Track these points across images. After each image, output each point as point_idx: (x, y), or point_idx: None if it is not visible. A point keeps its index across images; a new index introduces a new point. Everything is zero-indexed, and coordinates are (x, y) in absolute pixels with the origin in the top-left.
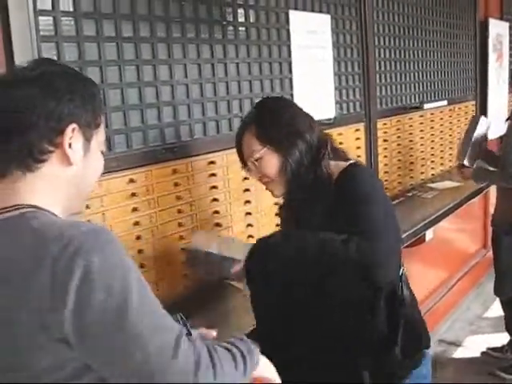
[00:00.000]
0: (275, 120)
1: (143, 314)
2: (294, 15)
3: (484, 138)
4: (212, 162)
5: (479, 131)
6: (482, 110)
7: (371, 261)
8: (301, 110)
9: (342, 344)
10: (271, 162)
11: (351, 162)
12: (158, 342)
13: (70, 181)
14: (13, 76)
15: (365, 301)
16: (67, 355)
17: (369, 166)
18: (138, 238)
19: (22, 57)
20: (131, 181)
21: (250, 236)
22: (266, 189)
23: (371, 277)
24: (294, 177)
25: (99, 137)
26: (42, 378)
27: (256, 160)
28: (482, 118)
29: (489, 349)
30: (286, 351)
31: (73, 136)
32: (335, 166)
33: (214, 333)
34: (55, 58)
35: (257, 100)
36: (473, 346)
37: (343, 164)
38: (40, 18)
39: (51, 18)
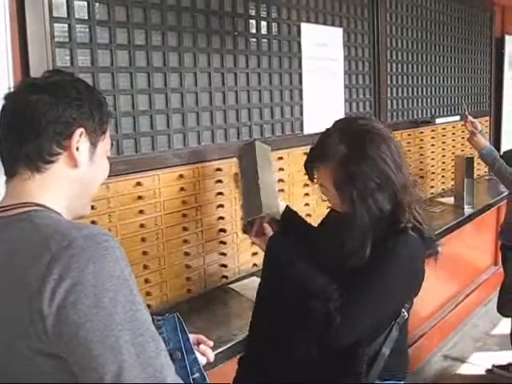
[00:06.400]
0: (361, 178)
1: (126, 329)
2: (305, 28)
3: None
4: (219, 169)
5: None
6: (496, 126)
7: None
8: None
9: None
10: (337, 200)
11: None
12: (137, 365)
13: (74, 182)
14: (29, 83)
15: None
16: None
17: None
18: (143, 239)
19: (37, 61)
20: (138, 184)
21: (254, 242)
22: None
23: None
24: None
25: (105, 143)
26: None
27: (324, 188)
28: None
29: (494, 366)
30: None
31: (80, 140)
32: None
33: (210, 343)
34: (69, 63)
35: (266, 110)
36: (478, 363)
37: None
38: (55, 24)
39: (66, 25)
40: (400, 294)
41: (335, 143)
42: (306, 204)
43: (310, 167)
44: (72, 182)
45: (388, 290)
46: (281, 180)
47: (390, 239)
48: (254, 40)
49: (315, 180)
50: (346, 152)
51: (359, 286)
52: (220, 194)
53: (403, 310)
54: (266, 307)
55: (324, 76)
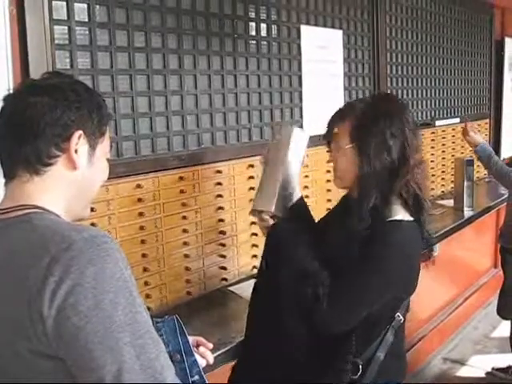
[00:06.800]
0: (376, 130)
1: (127, 331)
2: (305, 30)
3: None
4: (218, 171)
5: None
6: (496, 128)
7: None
8: (410, 126)
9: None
10: (347, 159)
11: (399, 219)
12: (137, 367)
13: (73, 184)
14: (28, 85)
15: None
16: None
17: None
18: (143, 242)
19: (37, 63)
20: (138, 186)
21: (254, 245)
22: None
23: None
24: (362, 188)
25: (104, 145)
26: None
27: (337, 147)
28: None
29: (494, 369)
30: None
31: (79, 142)
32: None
33: (210, 345)
34: (68, 66)
35: (266, 112)
36: (478, 366)
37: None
38: (55, 27)
39: (66, 28)
40: (395, 282)
41: (357, 103)
42: None
43: (329, 129)
44: (71, 184)
45: (382, 278)
46: None
47: (384, 227)
48: (254, 42)
49: (331, 147)
50: (366, 107)
51: (351, 273)
52: (220, 196)
53: (398, 313)
54: (263, 299)
55: (324, 78)
